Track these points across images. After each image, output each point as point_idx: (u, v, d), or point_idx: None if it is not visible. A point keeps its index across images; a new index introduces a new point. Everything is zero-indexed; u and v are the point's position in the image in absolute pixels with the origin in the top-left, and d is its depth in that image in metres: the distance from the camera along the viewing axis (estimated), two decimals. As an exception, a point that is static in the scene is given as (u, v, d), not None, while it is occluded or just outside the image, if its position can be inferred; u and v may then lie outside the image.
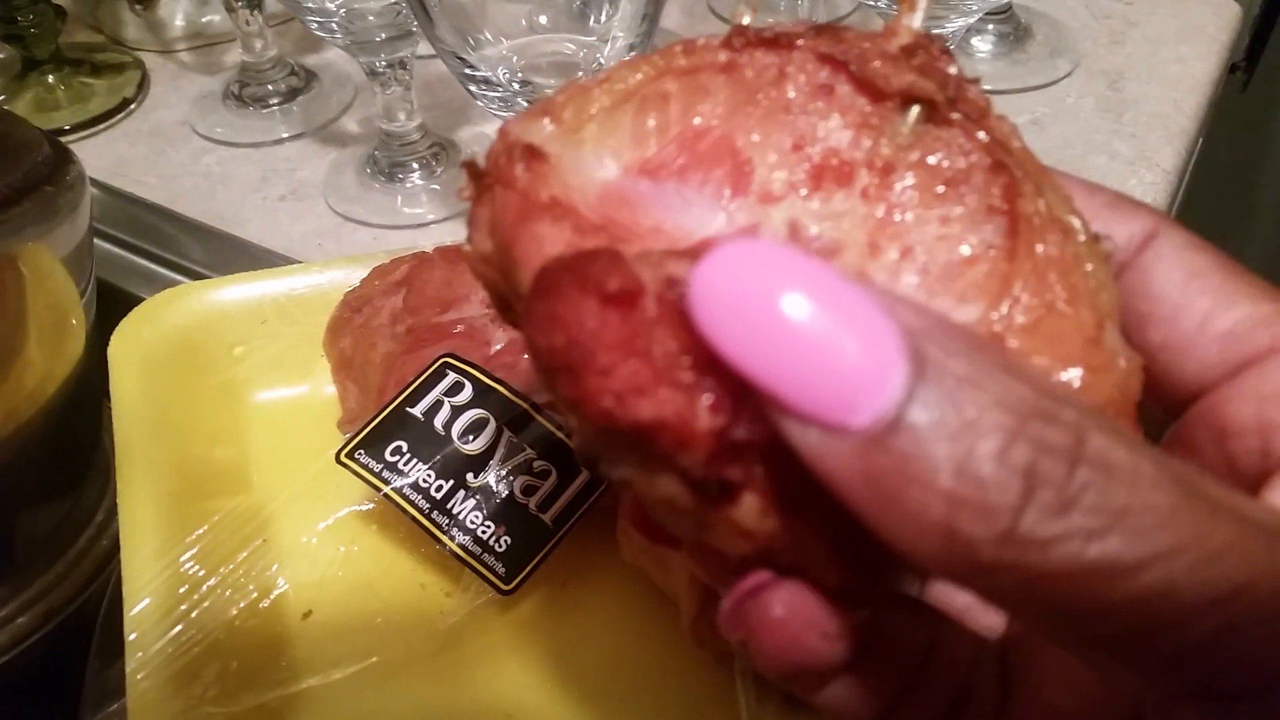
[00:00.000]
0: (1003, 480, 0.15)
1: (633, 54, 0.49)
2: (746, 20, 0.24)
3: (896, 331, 0.16)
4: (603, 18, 0.49)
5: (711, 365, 0.17)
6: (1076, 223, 0.21)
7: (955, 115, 0.22)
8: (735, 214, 0.22)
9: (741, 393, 0.17)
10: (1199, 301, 0.22)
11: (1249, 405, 0.21)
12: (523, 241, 0.21)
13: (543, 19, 0.50)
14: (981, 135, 0.22)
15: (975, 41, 0.66)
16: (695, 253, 0.18)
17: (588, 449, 0.20)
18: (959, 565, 0.15)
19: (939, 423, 0.15)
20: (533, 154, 0.22)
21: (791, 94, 0.23)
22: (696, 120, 0.23)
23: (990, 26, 0.66)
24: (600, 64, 0.49)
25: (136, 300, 0.56)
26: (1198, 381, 0.22)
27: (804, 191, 0.22)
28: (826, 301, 0.16)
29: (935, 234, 0.22)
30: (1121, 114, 0.62)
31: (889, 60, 0.22)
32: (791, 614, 0.19)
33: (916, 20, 0.23)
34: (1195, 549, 0.15)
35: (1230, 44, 0.69)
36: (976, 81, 0.23)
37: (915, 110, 0.22)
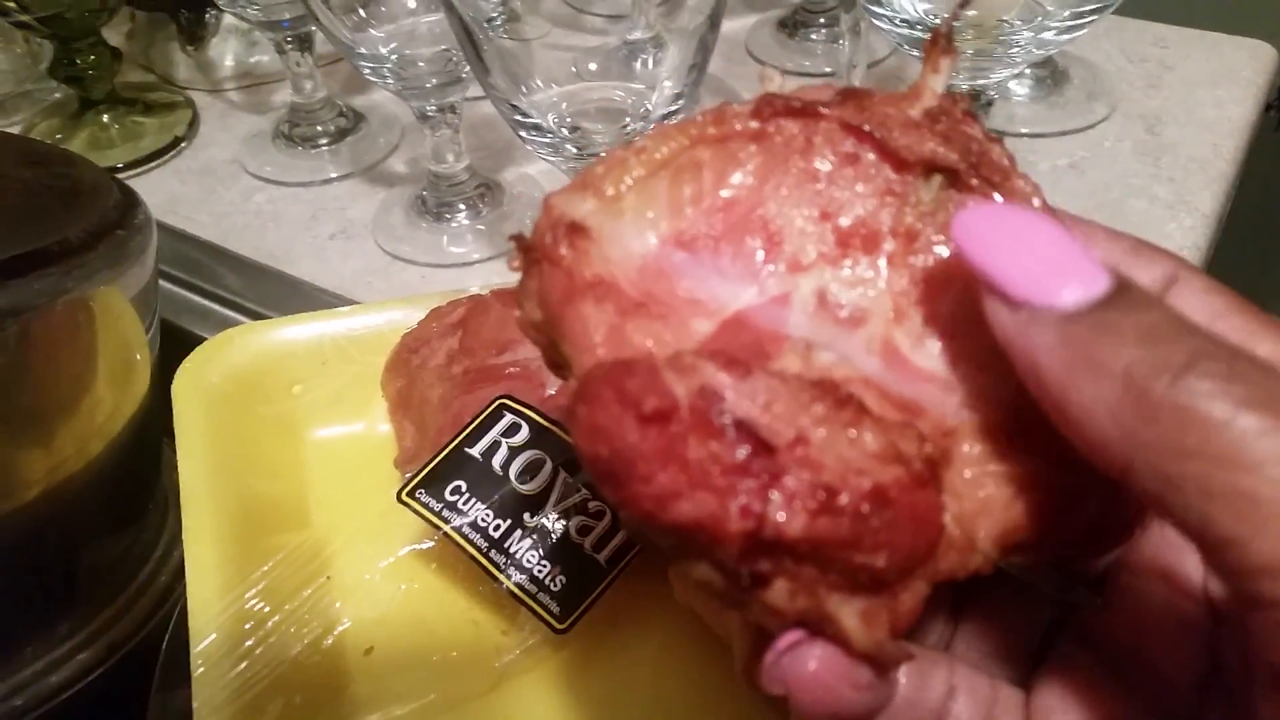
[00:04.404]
0: (1177, 347, 0.18)
1: (680, 102, 0.50)
2: (775, 84, 0.25)
3: (1102, 264, 0.20)
4: (650, 65, 0.51)
5: (740, 468, 0.19)
6: None
7: (975, 181, 0.23)
8: (766, 283, 0.23)
9: (769, 495, 0.19)
10: None
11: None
12: (569, 320, 0.22)
13: (592, 66, 0.51)
14: (999, 198, 0.23)
15: (1013, 85, 0.67)
16: (722, 355, 0.20)
17: (633, 534, 0.21)
18: (1127, 409, 0.18)
19: (1131, 312, 0.19)
20: (576, 230, 0.23)
21: (818, 163, 0.24)
22: (729, 190, 0.24)
23: (1028, 71, 0.67)
24: (648, 110, 0.51)
25: (190, 336, 0.58)
26: None
27: (831, 259, 0.23)
28: (1054, 233, 0.21)
29: (957, 299, 0.23)
30: (1159, 157, 0.62)
31: (912, 128, 0.23)
32: (825, 668, 0.21)
33: (940, 83, 0.24)
34: None
35: (1266, 86, 0.70)
36: (1000, 141, 0.24)
37: (937, 179, 0.23)
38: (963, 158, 0.23)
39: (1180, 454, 0.18)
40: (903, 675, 0.23)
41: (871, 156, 0.24)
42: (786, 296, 0.23)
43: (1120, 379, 0.18)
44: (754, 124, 0.24)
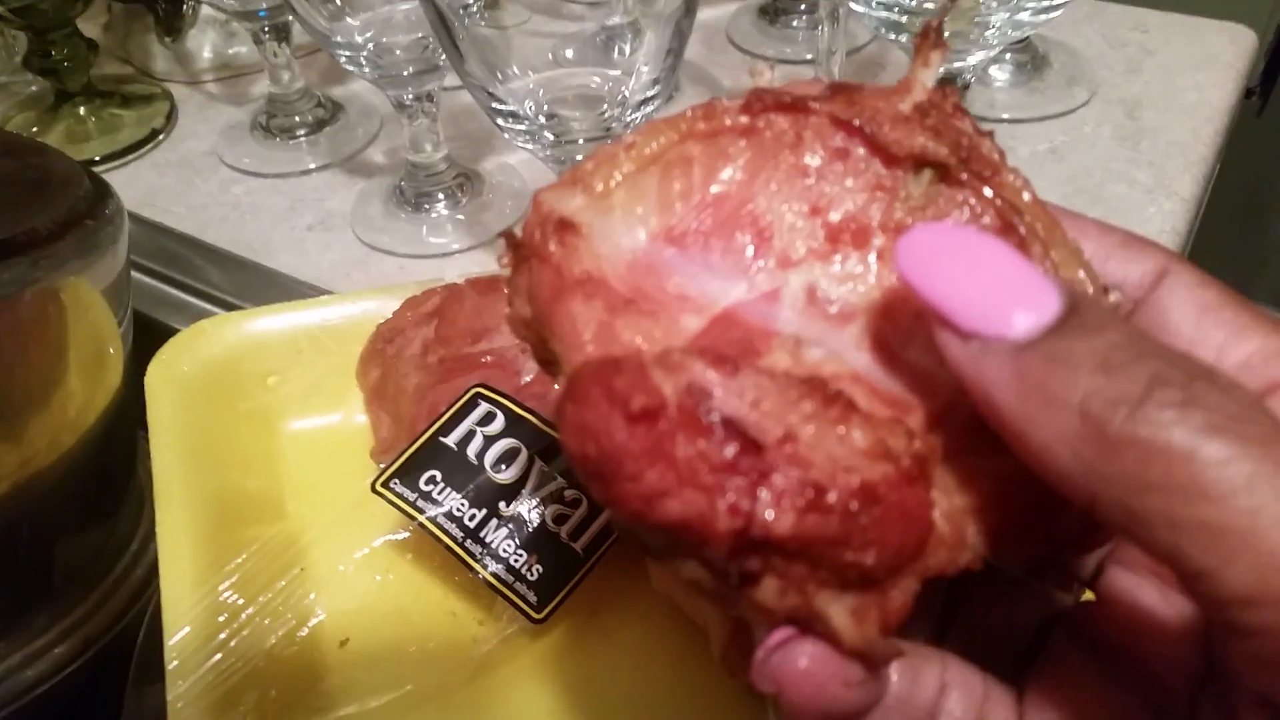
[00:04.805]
0: (1132, 375, 0.18)
1: (657, 88, 0.50)
2: (766, 77, 0.25)
3: (1054, 283, 0.19)
4: (627, 51, 0.50)
5: (728, 466, 0.19)
6: (1084, 276, 0.22)
7: (965, 175, 0.23)
8: (756, 279, 0.23)
9: (757, 493, 0.19)
10: (1213, 335, 0.22)
11: None
12: (558, 318, 0.22)
13: (568, 53, 0.51)
14: (988, 192, 0.23)
15: (993, 71, 0.67)
16: (711, 352, 0.20)
17: (622, 533, 0.21)
18: (1087, 445, 0.18)
19: (1084, 337, 0.18)
20: (565, 226, 0.23)
21: (808, 158, 0.24)
22: (719, 185, 0.24)
23: (1008, 56, 0.67)
24: (625, 97, 0.50)
25: (167, 329, 0.57)
26: None
27: (821, 255, 0.23)
28: (997, 255, 0.20)
29: None
30: (1139, 142, 0.62)
31: (901, 123, 0.23)
32: (816, 665, 0.21)
33: (930, 77, 0.24)
34: None
35: (1246, 71, 0.70)
36: (990, 134, 0.24)
37: (926, 174, 0.23)
38: (953, 152, 0.23)
39: (1144, 488, 0.17)
40: (894, 672, 0.23)
41: (861, 151, 0.24)
42: (776, 292, 0.23)
43: (1077, 413, 0.18)
44: (744, 119, 0.24)
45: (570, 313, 0.22)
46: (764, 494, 0.19)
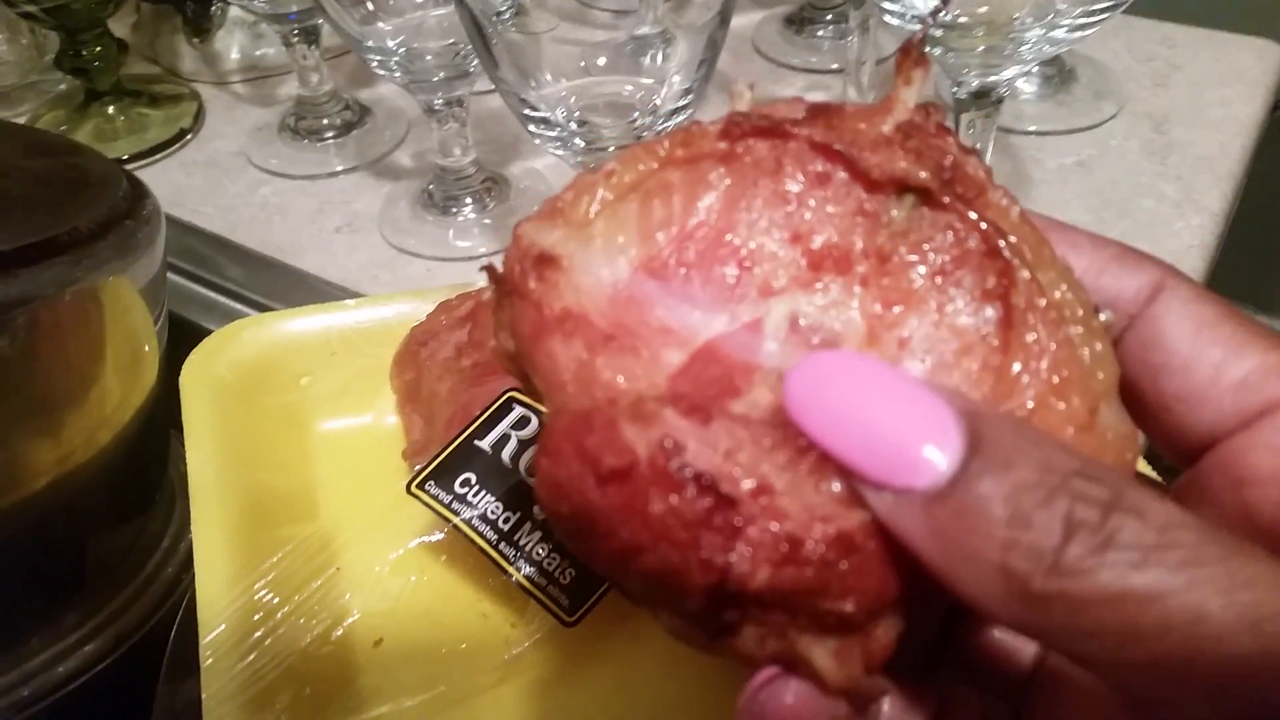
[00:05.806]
0: (1046, 524, 0.17)
1: (689, 98, 0.50)
2: (746, 98, 0.25)
3: (952, 412, 0.18)
4: (659, 60, 0.51)
5: (702, 521, 0.19)
6: (1072, 298, 0.22)
7: (948, 198, 0.22)
8: (738, 310, 0.23)
9: (731, 548, 0.19)
10: (1210, 352, 0.22)
11: (1266, 455, 0.21)
12: (539, 357, 0.22)
13: (600, 60, 0.51)
14: (973, 215, 0.22)
15: (1021, 83, 0.67)
16: (685, 400, 0.20)
17: (605, 579, 0.21)
18: (1015, 601, 0.17)
19: (991, 483, 0.18)
20: (545, 261, 0.23)
21: (789, 185, 0.23)
22: (699, 213, 0.23)
23: (1035, 69, 0.67)
24: (656, 106, 0.51)
25: (195, 327, 0.58)
26: (1212, 431, 0.22)
27: (804, 283, 0.23)
28: (889, 393, 0.19)
29: (931, 322, 0.22)
30: (1167, 156, 0.62)
31: (882, 146, 0.23)
32: (802, 702, 0.21)
33: (912, 96, 0.23)
34: (1226, 577, 0.16)
35: (1273, 86, 0.70)
36: (976, 152, 0.23)
37: (909, 198, 0.23)
38: (935, 175, 0.22)
39: (1081, 637, 0.17)
40: (886, 703, 0.23)
41: (842, 176, 0.23)
42: (758, 323, 0.23)
43: (999, 572, 0.17)
44: (722, 145, 0.24)
45: (550, 352, 0.22)
46: (739, 548, 0.19)
